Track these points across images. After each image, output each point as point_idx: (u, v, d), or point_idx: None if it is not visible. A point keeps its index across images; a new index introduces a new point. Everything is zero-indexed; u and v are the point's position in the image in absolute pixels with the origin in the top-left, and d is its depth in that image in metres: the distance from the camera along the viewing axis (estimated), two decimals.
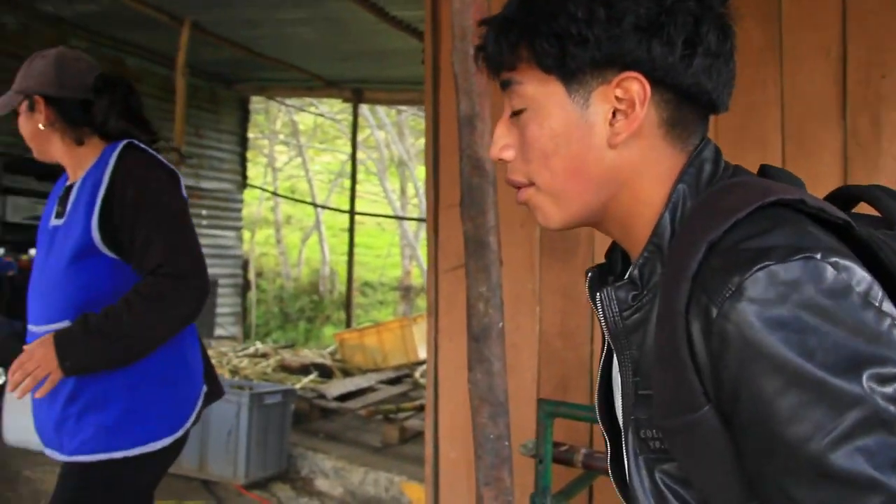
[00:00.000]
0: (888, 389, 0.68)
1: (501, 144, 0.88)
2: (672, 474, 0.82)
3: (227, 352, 7.88)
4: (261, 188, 13.78)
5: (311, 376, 7.01)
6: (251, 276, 11.60)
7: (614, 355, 0.89)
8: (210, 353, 7.57)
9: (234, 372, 6.95)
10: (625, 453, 0.87)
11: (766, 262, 0.71)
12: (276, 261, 15.85)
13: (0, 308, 5.27)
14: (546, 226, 0.91)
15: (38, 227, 2.14)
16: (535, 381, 3.04)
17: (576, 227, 0.91)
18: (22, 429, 4.69)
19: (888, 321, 0.71)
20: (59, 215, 2.04)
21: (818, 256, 0.71)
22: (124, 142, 2.04)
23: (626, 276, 0.85)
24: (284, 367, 7.45)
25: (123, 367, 1.92)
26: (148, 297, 1.88)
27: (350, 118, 10.00)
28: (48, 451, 2.00)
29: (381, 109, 15.07)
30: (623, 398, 0.86)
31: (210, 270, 7.44)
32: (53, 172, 6.19)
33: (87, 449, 1.91)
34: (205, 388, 2.10)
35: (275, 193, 14.80)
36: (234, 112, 9.25)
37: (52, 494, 1.98)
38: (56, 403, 1.93)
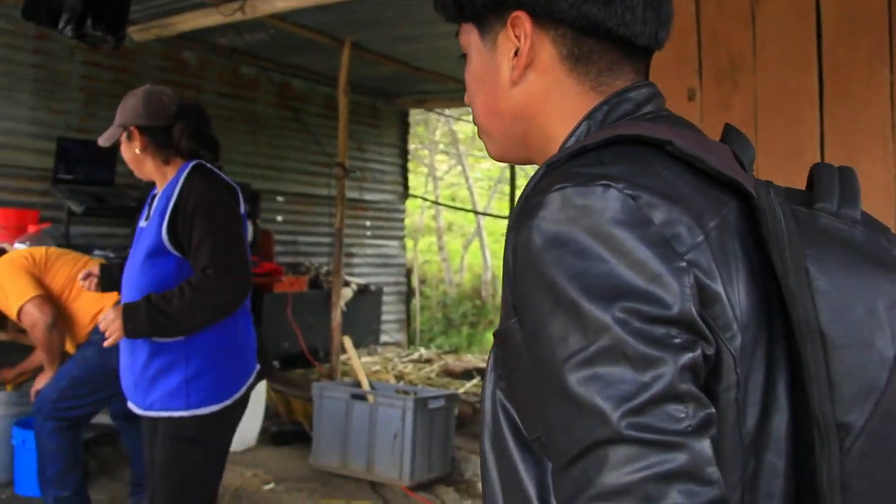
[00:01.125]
0: (643, 326, 0.67)
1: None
2: (505, 391, 0.82)
3: (392, 357, 8.12)
4: (422, 198, 14.07)
5: (475, 381, 7.10)
6: (415, 283, 11.87)
7: None
8: (375, 359, 7.83)
9: (399, 377, 7.16)
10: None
11: (565, 185, 0.72)
12: (438, 268, 16.13)
13: None
14: (492, 158, 0.98)
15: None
16: None
17: (514, 162, 0.98)
18: None
19: (680, 267, 0.69)
20: (145, 219, 2.55)
21: (620, 186, 0.71)
22: (194, 162, 2.53)
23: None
24: (448, 372, 7.59)
25: (172, 338, 2.42)
26: (195, 287, 2.36)
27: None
28: (129, 404, 2.57)
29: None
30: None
31: (375, 279, 7.75)
32: None
33: (155, 407, 2.46)
34: (257, 367, 2.61)
35: (436, 202, 15.07)
36: (394, 125, 9.53)
37: (157, 438, 2.51)
38: (135, 370, 2.47)
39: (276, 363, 6.57)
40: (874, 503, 0.73)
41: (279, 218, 8.00)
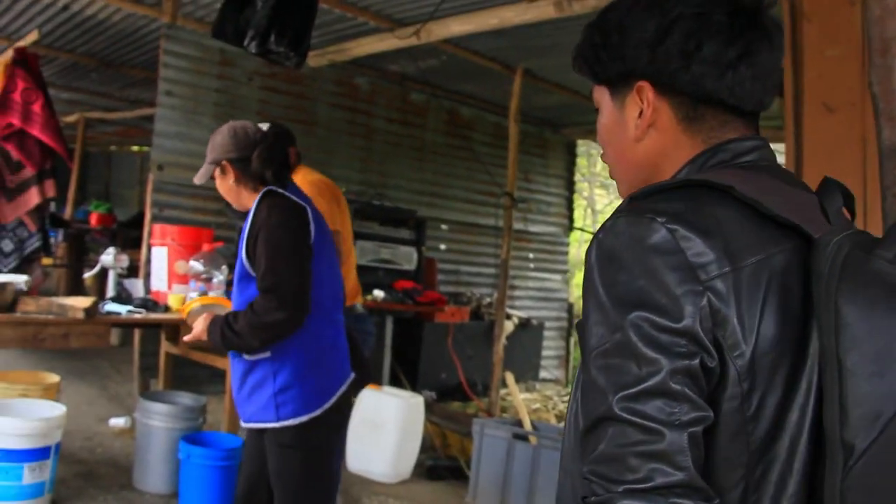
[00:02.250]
0: (651, 331, 0.83)
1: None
2: (579, 378, 0.97)
3: (551, 395, 7.83)
4: (582, 229, 13.77)
5: None
6: (575, 318, 11.55)
7: None
8: (535, 396, 7.56)
9: (560, 417, 6.86)
10: None
11: (622, 216, 0.90)
12: None
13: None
14: (622, 198, 1.09)
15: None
16: None
17: None
18: (364, 458, 4.96)
19: (697, 290, 0.85)
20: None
21: (662, 220, 0.87)
22: (264, 189, 2.66)
23: None
24: None
25: (245, 353, 2.62)
26: (253, 308, 2.55)
27: None
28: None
29: None
30: None
31: (536, 313, 7.47)
32: (394, 218, 6.56)
33: (253, 419, 2.67)
34: (352, 376, 2.76)
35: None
36: (561, 156, 9.31)
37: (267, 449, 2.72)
38: (236, 386, 2.71)
39: (433, 394, 6.44)
40: None
41: (443, 246, 7.93)
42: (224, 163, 2.70)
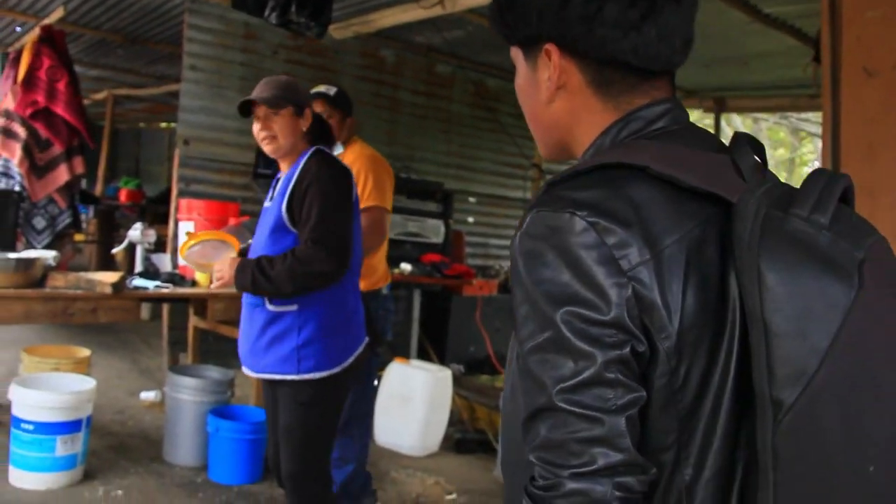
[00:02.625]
0: (581, 325, 0.88)
1: None
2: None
3: None
4: None
5: None
6: None
7: None
8: None
9: None
10: None
11: (543, 208, 0.92)
12: None
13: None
14: (543, 158, 1.19)
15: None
16: None
17: (557, 159, 1.18)
18: (392, 431, 4.97)
19: (621, 282, 0.88)
20: (269, 199, 2.79)
21: (583, 214, 0.89)
22: (313, 148, 2.75)
23: None
24: None
25: (274, 298, 2.64)
26: (296, 256, 2.57)
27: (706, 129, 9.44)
28: (244, 369, 2.82)
29: (737, 119, 14.23)
30: None
31: None
32: (422, 191, 6.50)
33: (268, 370, 2.70)
34: (366, 339, 2.85)
35: None
36: None
37: (279, 403, 2.77)
38: (252, 336, 2.73)
39: (461, 368, 6.43)
40: (796, 467, 0.86)
41: (470, 219, 7.88)
42: (307, 109, 2.77)
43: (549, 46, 1.03)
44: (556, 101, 1.06)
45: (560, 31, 1.01)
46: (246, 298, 2.78)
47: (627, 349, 0.89)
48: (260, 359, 2.73)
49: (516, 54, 1.10)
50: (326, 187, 2.64)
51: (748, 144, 0.99)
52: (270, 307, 2.68)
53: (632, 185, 0.92)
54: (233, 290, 2.75)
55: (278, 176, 2.83)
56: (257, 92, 2.71)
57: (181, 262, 4.77)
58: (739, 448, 0.92)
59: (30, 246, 5.86)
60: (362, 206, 3.31)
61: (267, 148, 2.73)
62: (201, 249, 2.97)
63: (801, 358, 0.85)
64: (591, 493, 0.87)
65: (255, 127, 2.72)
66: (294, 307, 2.66)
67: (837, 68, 2.81)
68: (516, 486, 0.99)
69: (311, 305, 2.68)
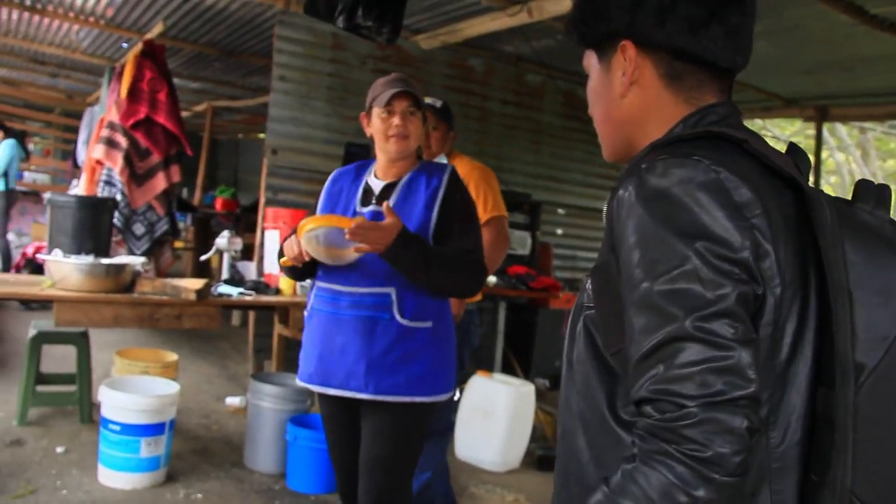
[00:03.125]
0: (714, 259, 0.92)
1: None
2: (591, 319, 1.08)
3: None
4: None
5: None
6: None
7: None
8: None
9: None
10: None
11: (665, 157, 0.99)
12: None
13: None
14: (606, 159, 1.22)
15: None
16: None
17: (622, 162, 1.19)
18: (473, 445, 4.89)
19: (746, 225, 0.95)
20: (373, 205, 2.59)
21: (707, 163, 0.97)
22: (445, 160, 2.93)
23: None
24: None
25: (417, 284, 2.43)
26: (465, 258, 2.49)
27: (806, 140, 9.05)
28: (340, 391, 2.50)
29: (842, 129, 13.62)
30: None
31: None
32: (509, 202, 6.34)
33: (398, 391, 2.45)
34: None
35: None
36: None
37: (369, 430, 2.52)
38: (369, 353, 2.45)
39: (546, 382, 6.32)
40: (876, 427, 0.94)
41: (559, 231, 7.75)
42: (428, 112, 2.85)
43: (626, 42, 1.11)
44: (630, 95, 1.13)
45: (636, 27, 1.10)
46: (356, 310, 2.48)
47: (750, 289, 0.94)
48: (383, 378, 2.45)
49: (589, 58, 1.20)
50: (474, 207, 2.65)
51: (805, 153, 1.12)
52: (403, 321, 2.45)
53: (735, 154, 1.02)
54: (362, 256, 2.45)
55: (365, 180, 2.64)
56: (404, 86, 2.54)
57: (266, 269, 4.84)
58: (815, 416, 0.97)
59: (130, 252, 6.07)
60: (485, 218, 3.31)
61: (395, 146, 2.54)
62: (324, 235, 2.50)
63: (884, 325, 0.96)
64: (726, 422, 0.87)
65: (391, 121, 2.53)
66: (429, 323, 2.49)
67: None
68: (572, 495, 1.07)
69: (442, 321, 2.54)
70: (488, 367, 5.73)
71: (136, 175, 6.14)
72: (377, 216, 2.47)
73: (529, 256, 6.75)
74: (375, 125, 2.57)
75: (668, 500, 0.87)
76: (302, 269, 2.60)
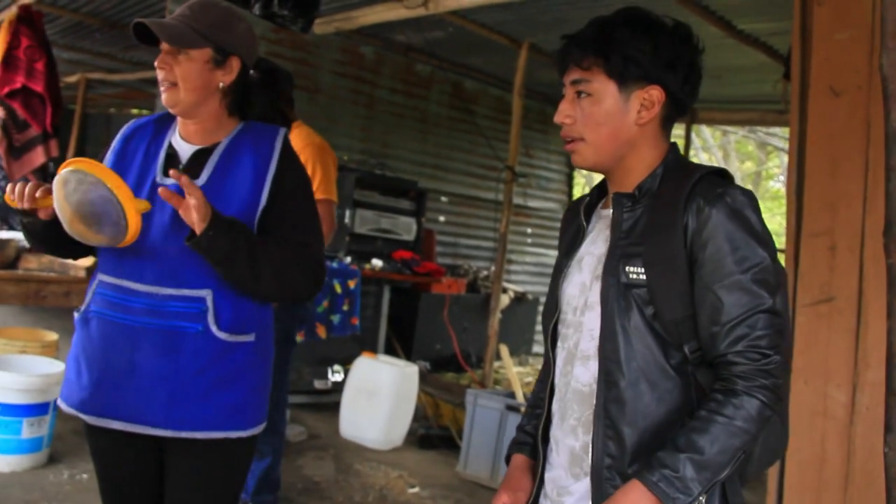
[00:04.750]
0: (774, 263, 1.37)
1: (565, 114, 1.48)
2: (641, 296, 1.39)
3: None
4: None
5: None
6: None
7: (585, 244, 1.56)
8: (527, 369, 7.65)
9: None
10: (600, 293, 1.44)
11: (736, 188, 1.40)
12: None
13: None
14: (578, 164, 1.51)
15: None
16: None
17: (596, 169, 1.52)
18: (357, 425, 5.02)
19: None
20: (189, 175, 1.92)
21: (749, 192, 1.41)
22: (281, 128, 2.07)
23: (632, 192, 1.47)
24: None
25: (234, 282, 1.85)
26: (294, 250, 1.91)
27: (676, 138, 9.59)
28: (127, 426, 1.86)
29: (707, 131, 14.45)
30: (606, 260, 1.44)
31: (532, 288, 7.51)
32: (395, 189, 6.44)
33: (210, 426, 1.88)
34: None
35: None
36: None
37: (178, 475, 1.94)
38: (177, 376, 1.85)
39: (427, 365, 6.49)
40: None
41: (442, 218, 7.94)
42: (234, 58, 1.96)
43: (657, 88, 1.44)
44: (642, 125, 1.46)
45: (667, 80, 1.43)
46: (156, 318, 1.85)
47: None
48: (190, 410, 1.87)
49: (604, 84, 1.44)
50: (310, 188, 2.08)
51: None
52: (221, 334, 1.87)
53: None
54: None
55: (168, 140, 2.01)
56: (155, 19, 1.91)
57: None
58: None
59: (9, 227, 5.82)
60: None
61: (167, 100, 1.92)
62: (78, 183, 1.76)
63: None
64: (786, 363, 1.36)
65: (159, 66, 1.91)
66: (251, 337, 1.93)
67: (806, 86, 2.92)
68: (639, 426, 1.40)
69: (266, 333, 2.00)
70: (372, 349, 5.86)
71: (14, 147, 5.89)
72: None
73: (414, 242, 6.90)
74: None
75: (761, 417, 1.32)
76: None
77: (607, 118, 1.44)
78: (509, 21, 5.94)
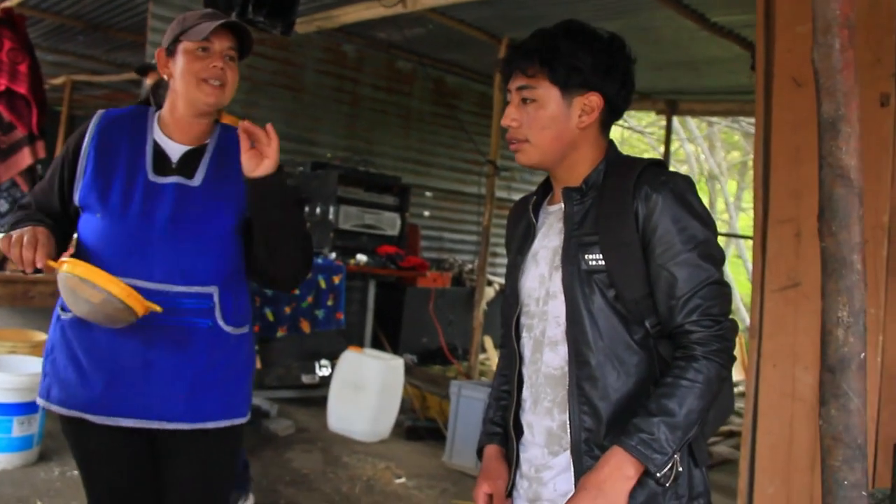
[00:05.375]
0: (715, 237, 1.53)
1: (511, 118, 1.59)
2: (602, 280, 1.52)
3: None
4: None
5: None
6: None
7: (537, 240, 1.67)
8: None
9: None
10: (561, 281, 1.55)
11: (676, 175, 1.54)
12: None
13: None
14: (523, 163, 1.63)
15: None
16: (875, 421, 2.69)
17: (539, 167, 1.63)
18: (344, 417, 5.09)
19: None
20: (185, 176, 1.97)
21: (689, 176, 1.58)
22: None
23: (579, 185, 1.59)
24: None
25: (281, 237, 1.93)
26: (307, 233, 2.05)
27: (660, 131, 9.70)
28: (141, 422, 1.89)
29: (692, 122, 14.55)
30: (564, 250, 1.56)
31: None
32: (379, 185, 6.50)
33: (217, 415, 1.96)
34: None
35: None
36: None
37: (186, 465, 1.98)
38: (193, 369, 1.91)
39: (413, 358, 6.57)
40: None
41: (426, 213, 8.02)
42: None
43: (596, 94, 1.56)
44: (584, 128, 1.58)
45: (605, 87, 1.56)
46: (168, 316, 1.87)
47: None
48: (205, 401, 1.94)
49: (548, 90, 1.56)
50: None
51: None
52: (227, 328, 1.96)
53: None
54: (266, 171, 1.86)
55: (152, 139, 2.00)
56: (223, 18, 1.97)
57: None
58: None
59: None
60: None
61: (210, 95, 1.93)
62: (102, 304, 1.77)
63: None
64: (735, 326, 1.50)
65: (207, 61, 1.92)
66: (246, 329, 2.03)
67: (770, 77, 3.00)
68: (610, 399, 1.52)
69: (251, 326, 2.09)
70: (359, 343, 5.93)
71: (0, 150, 5.93)
72: (183, 191, 1.94)
73: (398, 237, 6.97)
74: (183, 65, 1.93)
75: (718, 379, 1.46)
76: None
77: (551, 122, 1.56)
78: (488, 17, 6.01)
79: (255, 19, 4.24)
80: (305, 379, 5.73)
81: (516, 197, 8.93)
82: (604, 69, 1.55)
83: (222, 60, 1.93)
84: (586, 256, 1.52)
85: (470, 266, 7.90)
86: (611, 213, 1.52)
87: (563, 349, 1.56)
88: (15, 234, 1.79)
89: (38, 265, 1.78)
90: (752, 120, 12.81)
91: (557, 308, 1.57)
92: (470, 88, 8.25)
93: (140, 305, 1.78)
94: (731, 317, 1.50)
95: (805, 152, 2.85)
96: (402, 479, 4.42)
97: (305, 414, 5.46)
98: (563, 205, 1.60)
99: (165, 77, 2.00)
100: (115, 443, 1.94)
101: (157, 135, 2.01)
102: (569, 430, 1.55)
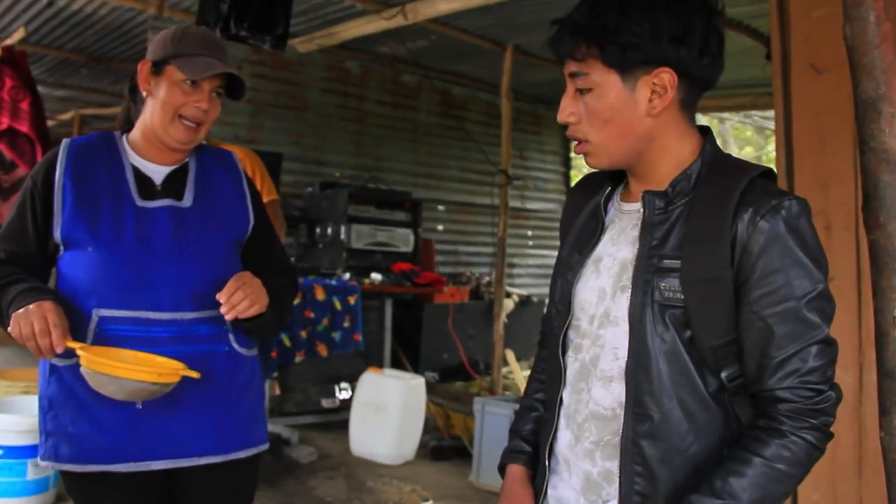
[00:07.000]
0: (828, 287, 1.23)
1: (568, 112, 1.30)
2: (676, 316, 1.22)
3: None
4: None
5: None
6: None
7: (603, 243, 1.36)
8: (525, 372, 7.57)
9: None
10: (628, 309, 1.26)
11: (792, 198, 1.21)
12: None
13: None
14: (593, 166, 1.36)
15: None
16: None
17: (611, 168, 1.35)
18: (367, 440, 4.98)
19: None
20: (174, 198, 1.90)
21: (805, 201, 1.22)
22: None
23: (664, 190, 1.28)
24: None
25: (262, 332, 1.93)
26: (291, 279, 2.05)
27: None
28: (170, 463, 1.79)
29: (704, 119, 14.43)
30: (635, 270, 1.26)
31: (537, 290, 7.43)
32: (390, 201, 6.45)
33: (240, 445, 1.87)
34: None
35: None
36: (556, 132, 9.27)
37: (207, 500, 1.89)
38: (218, 399, 1.83)
39: (435, 375, 6.45)
40: None
41: (440, 227, 7.92)
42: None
43: (666, 70, 1.23)
44: (656, 116, 1.26)
45: (679, 58, 1.22)
46: (184, 345, 1.79)
47: None
48: (232, 430, 1.86)
49: (604, 76, 1.25)
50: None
51: None
52: (242, 350, 1.89)
53: None
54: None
55: (129, 163, 1.88)
56: (225, 62, 1.86)
57: None
58: None
59: None
60: (266, 201, 2.57)
61: (183, 134, 1.85)
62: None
63: None
64: (837, 398, 1.20)
65: (192, 97, 1.83)
66: (255, 351, 1.96)
67: (787, 66, 2.88)
68: (673, 460, 1.24)
69: (256, 344, 2.00)
70: (378, 364, 5.82)
71: (2, 189, 5.89)
72: (177, 213, 1.85)
73: (412, 253, 6.87)
74: (165, 95, 1.82)
75: (809, 459, 1.19)
76: None
77: (614, 114, 1.26)
78: (491, 25, 5.92)
79: (241, 34, 4.17)
80: (325, 403, 5.63)
81: (530, 206, 8.94)
82: (671, 35, 1.20)
83: (207, 100, 1.84)
84: (662, 285, 1.23)
85: (487, 278, 7.78)
86: (700, 236, 1.21)
87: (619, 390, 1.28)
88: (23, 324, 1.62)
89: (59, 351, 1.64)
90: (765, 114, 12.65)
91: (618, 338, 1.28)
92: (477, 98, 8.16)
93: (174, 376, 1.67)
94: (834, 381, 1.20)
95: (829, 141, 2.73)
96: (430, 502, 4.30)
97: (327, 439, 5.34)
98: (641, 208, 1.29)
99: (144, 93, 1.87)
100: (137, 488, 1.82)
101: (134, 158, 1.90)
102: (616, 487, 1.28)
